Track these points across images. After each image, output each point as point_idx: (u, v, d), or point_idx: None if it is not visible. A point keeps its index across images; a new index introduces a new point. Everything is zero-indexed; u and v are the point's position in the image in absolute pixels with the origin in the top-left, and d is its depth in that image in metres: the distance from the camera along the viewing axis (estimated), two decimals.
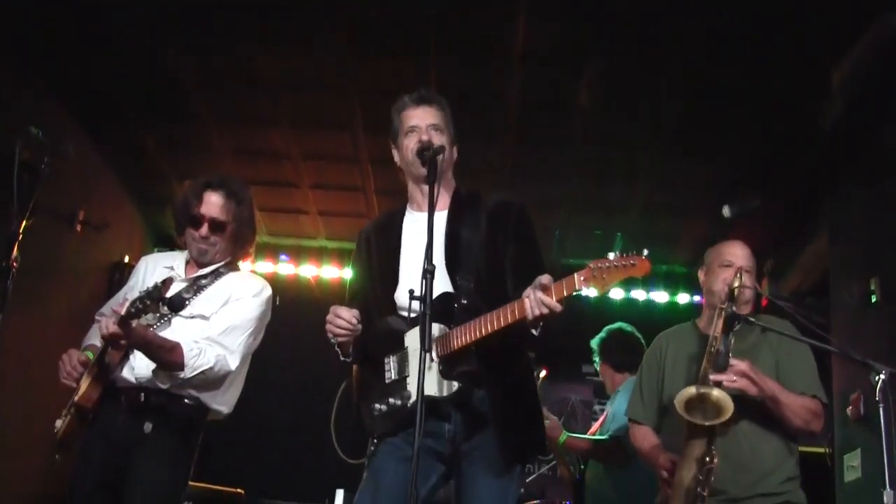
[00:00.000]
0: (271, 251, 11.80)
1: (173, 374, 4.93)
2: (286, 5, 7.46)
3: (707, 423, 4.52)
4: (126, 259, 10.62)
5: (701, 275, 5.52)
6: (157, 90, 8.71)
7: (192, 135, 9.50)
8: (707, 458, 4.52)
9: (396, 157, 4.70)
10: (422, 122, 4.53)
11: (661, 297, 11.62)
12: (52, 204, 6.21)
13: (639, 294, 11.60)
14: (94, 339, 5.24)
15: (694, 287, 11.08)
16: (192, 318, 5.15)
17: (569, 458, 7.27)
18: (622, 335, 7.33)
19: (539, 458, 9.70)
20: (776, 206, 9.13)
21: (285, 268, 11.87)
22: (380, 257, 4.68)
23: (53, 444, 5.08)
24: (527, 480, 9.33)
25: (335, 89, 8.54)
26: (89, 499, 4.95)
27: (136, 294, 4.74)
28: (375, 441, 4.49)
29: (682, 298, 11.57)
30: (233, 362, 5.10)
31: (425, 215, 4.14)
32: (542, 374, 7.24)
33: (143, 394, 5.00)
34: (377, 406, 4.45)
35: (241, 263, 5.62)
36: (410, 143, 4.50)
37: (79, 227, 9.22)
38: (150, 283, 4.71)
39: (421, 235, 4.14)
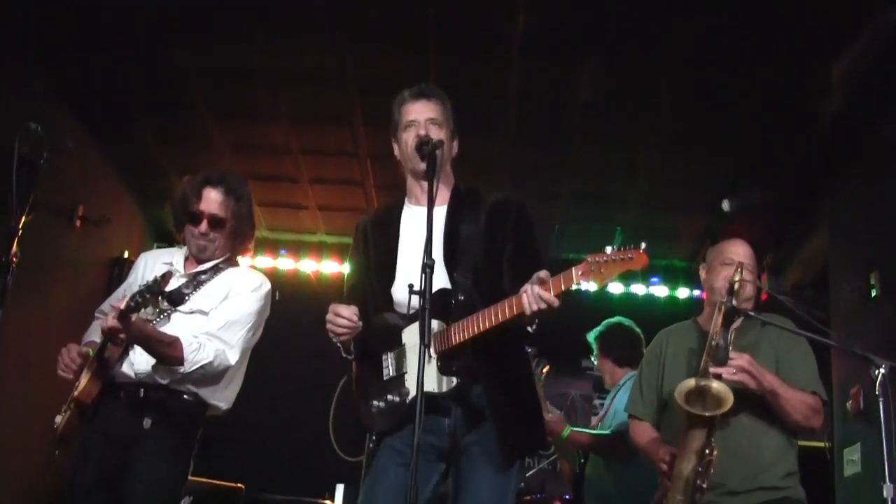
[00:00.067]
0: (271, 246, 11.80)
1: (172, 368, 4.93)
2: (286, 0, 7.46)
3: (707, 414, 4.52)
4: (126, 254, 10.61)
5: (702, 273, 5.51)
6: (156, 85, 8.71)
7: (191, 130, 9.49)
8: (707, 451, 4.52)
9: (396, 151, 4.70)
10: (421, 116, 4.53)
11: (660, 291, 11.61)
12: (52, 199, 6.22)
13: (638, 289, 11.60)
14: (94, 335, 5.25)
15: (693, 281, 11.12)
16: (192, 313, 5.14)
17: (568, 452, 7.27)
18: (622, 329, 7.32)
19: (539, 453, 9.71)
20: (776, 200, 9.13)
21: (285, 263, 11.87)
22: (377, 251, 4.68)
23: (53, 440, 5.08)
24: (526, 475, 9.34)
25: (335, 84, 8.54)
26: (89, 494, 4.94)
27: (135, 289, 4.73)
28: (374, 439, 4.49)
29: (682, 293, 11.57)
30: (232, 357, 5.09)
31: (424, 209, 4.14)
32: (545, 369, 7.24)
33: (142, 390, 4.99)
34: (375, 403, 4.46)
35: (240, 259, 5.62)
36: (409, 138, 4.49)
37: (78, 223, 9.22)
38: (149, 279, 4.70)
39: (420, 230, 4.14)
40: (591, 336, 7.40)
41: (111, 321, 4.65)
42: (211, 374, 5.06)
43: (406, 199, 4.73)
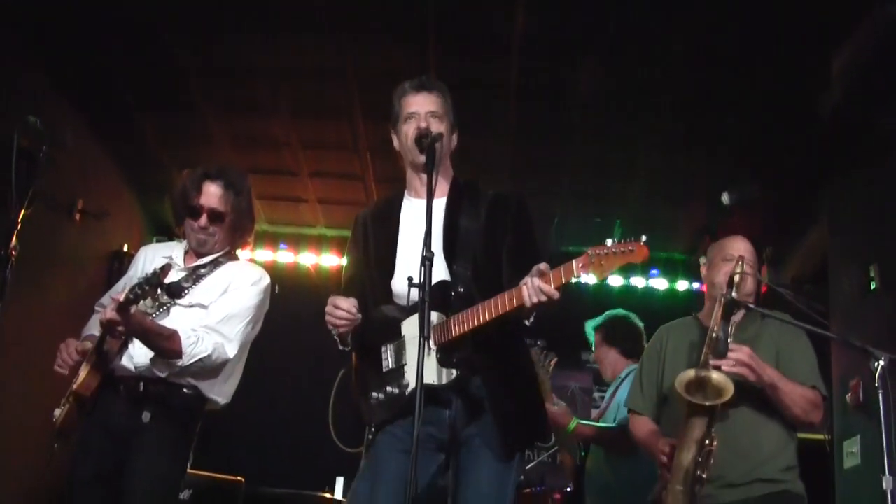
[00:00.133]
0: (270, 239, 11.81)
1: (171, 361, 4.93)
2: None
3: (708, 403, 4.52)
4: (125, 248, 10.62)
5: (703, 269, 5.52)
6: (156, 80, 8.71)
7: (190, 123, 9.49)
8: (707, 441, 4.52)
9: (396, 143, 4.70)
10: (421, 108, 4.53)
11: (659, 284, 11.62)
12: (51, 193, 6.23)
13: (638, 281, 11.61)
14: (94, 329, 5.25)
15: (693, 274, 11.12)
16: (191, 306, 5.15)
17: (569, 445, 7.27)
18: (627, 321, 7.30)
19: (538, 446, 9.71)
20: (775, 193, 9.13)
21: (284, 256, 11.87)
22: (377, 244, 4.68)
23: (52, 433, 5.08)
24: (526, 468, 9.34)
25: (334, 78, 8.54)
26: (88, 488, 4.95)
27: (135, 282, 4.73)
28: (373, 430, 4.49)
29: (682, 286, 11.58)
30: (231, 350, 5.10)
31: (424, 202, 4.14)
32: (552, 361, 7.23)
33: (141, 383, 4.99)
34: (374, 395, 4.46)
35: (239, 252, 5.62)
36: (409, 130, 4.49)
37: (78, 216, 9.22)
38: (148, 272, 4.70)
39: (419, 222, 4.14)
40: (591, 326, 7.38)
41: (110, 313, 4.65)
42: (209, 368, 5.06)
43: (406, 192, 4.73)
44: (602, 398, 7.58)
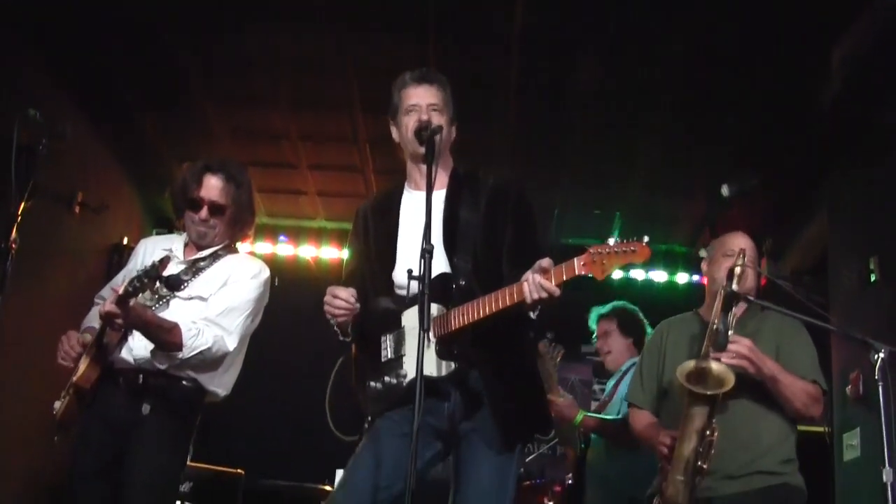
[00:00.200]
0: (270, 232, 11.81)
1: (171, 354, 4.93)
2: None
3: (709, 392, 4.52)
4: (125, 241, 10.61)
5: (704, 266, 5.53)
6: (155, 72, 8.71)
7: (190, 116, 9.49)
8: (707, 432, 4.52)
9: (395, 135, 4.70)
10: (422, 101, 4.52)
11: (659, 276, 11.61)
12: (51, 186, 6.21)
13: (638, 274, 11.60)
14: (93, 321, 5.25)
15: (693, 267, 11.11)
16: (191, 299, 5.15)
17: (570, 438, 7.26)
18: (639, 316, 7.30)
19: (538, 438, 9.71)
20: (775, 185, 9.13)
21: (284, 248, 11.88)
22: (377, 236, 4.69)
23: (52, 426, 5.09)
24: (526, 460, 9.34)
25: (334, 70, 8.54)
26: (88, 480, 4.95)
27: (134, 275, 4.73)
28: (370, 419, 4.50)
29: (682, 278, 11.57)
30: (230, 343, 5.10)
31: (424, 194, 4.14)
32: (560, 354, 7.22)
33: (141, 375, 4.99)
34: (373, 384, 4.46)
35: (239, 245, 5.62)
36: (410, 122, 4.49)
37: (77, 209, 9.22)
38: (147, 264, 4.70)
39: (419, 214, 4.14)
40: (599, 312, 7.35)
41: (109, 306, 4.65)
42: (209, 360, 5.06)
43: (406, 184, 4.73)
44: (602, 391, 7.56)
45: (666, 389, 5.23)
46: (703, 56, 7.80)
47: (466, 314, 4.15)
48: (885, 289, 7.06)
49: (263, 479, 8.95)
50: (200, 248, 5.37)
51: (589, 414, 6.84)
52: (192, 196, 5.28)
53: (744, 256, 4.91)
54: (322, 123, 9.56)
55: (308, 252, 11.87)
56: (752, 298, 5.10)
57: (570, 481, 7.41)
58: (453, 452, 4.38)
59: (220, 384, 5.24)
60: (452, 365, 4.21)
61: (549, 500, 8.22)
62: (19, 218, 4.70)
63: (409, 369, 4.30)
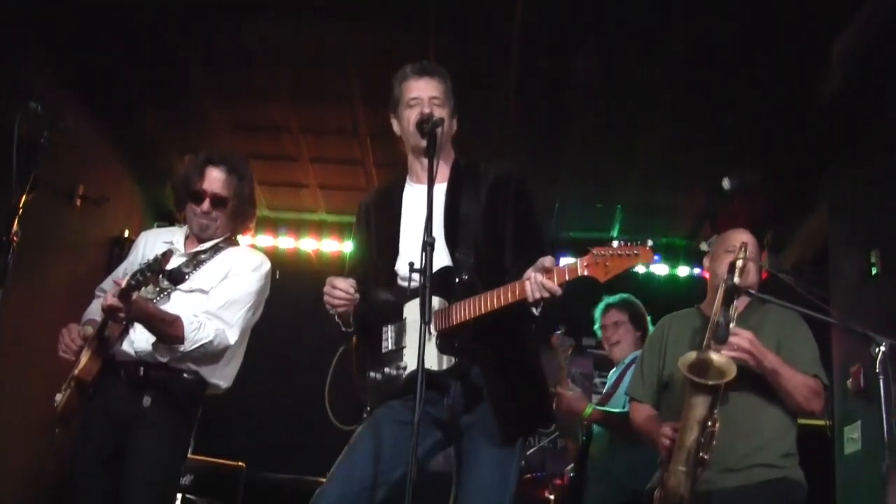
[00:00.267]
0: (271, 225, 11.79)
1: (173, 347, 4.94)
2: None
3: (710, 382, 4.52)
4: (126, 233, 10.61)
5: (706, 261, 5.54)
6: (156, 65, 8.70)
7: (190, 109, 9.48)
8: (709, 423, 4.52)
9: (396, 128, 4.69)
10: (423, 94, 4.52)
11: (660, 269, 11.60)
12: (52, 178, 6.18)
13: (638, 267, 11.56)
14: (94, 314, 5.26)
15: (693, 260, 11.10)
16: (192, 292, 5.16)
17: (572, 430, 7.26)
18: (644, 309, 7.30)
19: (540, 431, 9.71)
20: (776, 178, 9.13)
21: (285, 241, 11.85)
22: (379, 228, 4.69)
23: (53, 418, 5.09)
24: (527, 453, 9.35)
25: (334, 63, 8.53)
26: (90, 473, 4.96)
27: (136, 268, 4.73)
28: (368, 409, 4.51)
29: (682, 271, 11.56)
30: (232, 336, 5.11)
31: (425, 187, 4.13)
32: (571, 346, 7.22)
33: (142, 368, 5.01)
34: (372, 375, 4.47)
35: (240, 237, 5.63)
36: (412, 116, 4.48)
37: (78, 202, 9.23)
38: (149, 258, 4.71)
39: (421, 207, 4.14)
40: (610, 301, 7.33)
41: (111, 300, 4.66)
42: (211, 354, 5.07)
43: (407, 177, 4.74)
44: (603, 383, 7.55)
45: (667, 383, 5.23)
46: (703, 51, 7.79)
47: (468, 309, 4.15)
48: (886, 282, 7.06)
49: (264, 472, 8.96)
50: (202, 241, 5.37)
51: (598, 407, 6.83)
52: (195, 188, 5.29)
53: (745, 250, 4.91)
54: (323, 116, 9.56)
55: (309, 245, 11.85)
56: (753, 292, 5.10)
57: (571, 474, 7.40)
58: (455, 445, 4.39)
59: (222, 377, 5.25)
60: (453, 359, 4.22)
61: (550, 494, 8.22)
62: (20, 210, 4.71)
63: (409, 361, 4.31)
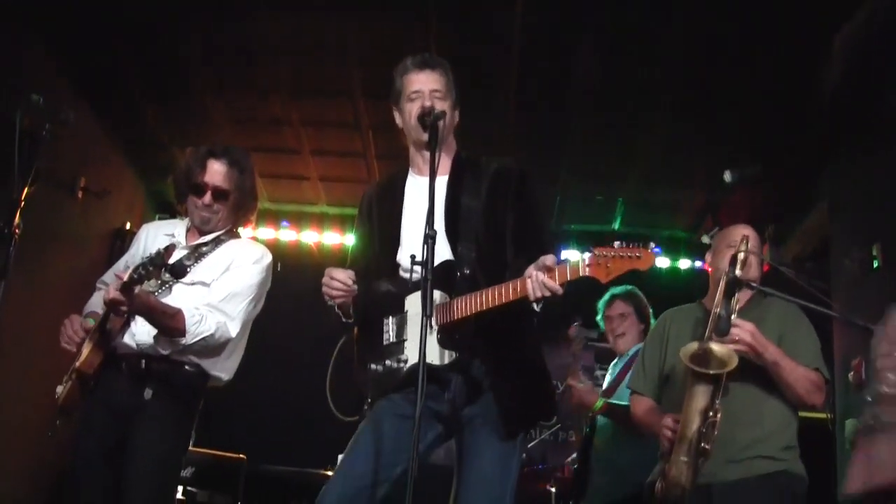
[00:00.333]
0: (273, 217, 11.81)
1: (174, 340, 4.95)
2: None
3: (712, 372, 4.52)
4: (127, 226, 10.63)
5: (708, 257, 5.54)
6: (156, 58, 8.70)
7: (192, 102, 9.48)
8: (710, 413, 4.52)
9: (398, 120, 4.69)
10: (425, 87, 4.51)
11: (662, 262, 11.60)
12: (53, 171, 6.21)
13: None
14: (96, 306, 5.27)
15: (695, 253, 11.11)
16: (193, 284, 5.16)
17: (577, 423, 7.27)
18: (647, 303, 7.31)
19: (541, 424, 9.73)
20: (777, 171, 9.13)
21: (287, 234, 11.88)
22: (381, 220, 4.70)
23: (54, 410, 5.10)
24: (528, 446, 9.36)
25: (335, 56, 8.54)
26: (91, 465, 4.96)
27: (138, 261, 4.74)
28: (369, 401, 4.51)
29: (684, 264, 11.57)
30: (233, 329, 5.12)
31: (427, 179, 4.14)
32: (584, 339, 7.23)
33: (143, 360, 5.01)
34: (374, 367, 4.48)
35: (242, 230, 5.63)
36: (413, 109, 4.48)
37: (80, 194, 9.24)
38: (151, 251, 4.71)
39: (423, 199, 4.16)
40: (616, 291, 7.33)
41: (114, 293, 4.67)
42: (212, 346, 5.08)
43: (410, 169, 4.74)
44: (603, 376, 7.54)
45: (668, 376, 5.25)
46: (703, 51, 7.79)
47: (469, 305, 4.15)
48: (887, 275, 7.05)
49: (265, 465, 8.96)
50: (203, 234, 5.38)
51: (609, 401, 6.82)
52: (196, 181, 5.29)
53: (747, 243, 4.91)
54: (324, 109, 9.56)
55: (310, 237, 11.88)
56: (755, 285, 5.09)
57: (574, 466, 7.39)
58: (456, 438, 4.39)
59: (223, 369, 5.26)
60: (454, 354, 4.22)
61: (552, 486, 8.24)
62: (22, 203, 4.70)
63: (410, 354, 4.32)
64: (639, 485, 5.27)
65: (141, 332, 5.00)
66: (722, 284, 4.80)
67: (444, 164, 4.53)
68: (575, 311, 7.43)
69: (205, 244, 5.34)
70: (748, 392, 4.86)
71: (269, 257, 5.43)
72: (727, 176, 8.70)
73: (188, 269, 5.11)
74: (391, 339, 4.45)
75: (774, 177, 9.18)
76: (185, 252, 5.25)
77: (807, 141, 8.63)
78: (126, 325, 5.03)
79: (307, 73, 8.89)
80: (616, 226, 11.08)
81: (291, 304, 8.08)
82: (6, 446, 8.25)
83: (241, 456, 8.55)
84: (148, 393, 4.98)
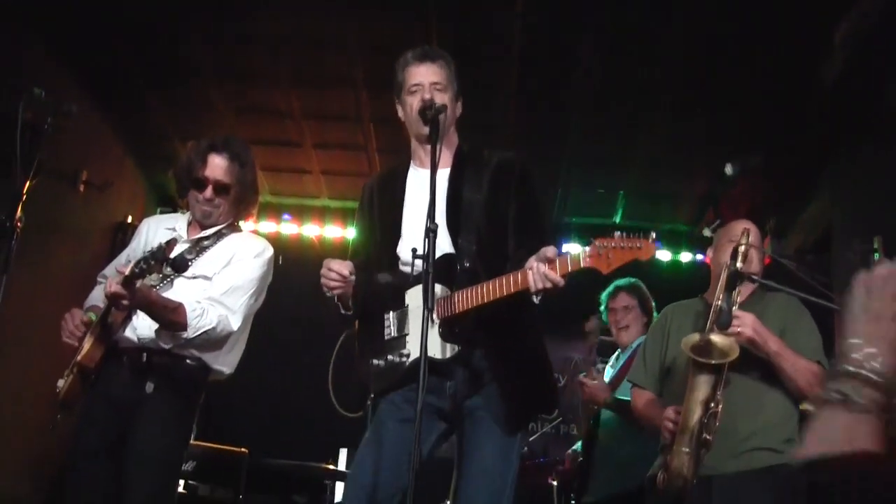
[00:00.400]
0: (274, 211, 11.81)
1: (176, 334, 4.95)
2: None
3: (714, 362, 4.52)
4: (129, 219, 10.64)
5: (710, 252, 5.54)
6: (158, 50, 8.71)
7: (193, 95, 9.49)
8: (712, 404, 4.53)
9: (400, 113, 4.69)
10: (425, 80, 4.51)
11: (663, 255, 11.59)
12: (55, 164, 6.20)
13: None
14: (97, 300, 5.28)
15: (696, 246, 11.10)
16: (195, 278, 5.16)
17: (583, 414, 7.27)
18: (649, 294, 7.31)
19: (542, 417, 9.73)
20: (779, 163, 9.13)
21: (288, 227, 11.88)
22: (383, 212, 4.70)
23: (55, 404, 5.10)
24: (530, 439, 9.37)
25: (337, 49, 8.53)
26: (91, 459, 4.96)
27: (139, 255, 4.74)
28: (373, 396, 4.51)
29: (685, 257, 11.56)
30: (234, 323, 5.11)
31: (428, 171, 4.14)
32: (598, 333, 7.24)
33: (145, 354, 5.01)
34: (375, 362, 4.47)
35: (243, 223, 5.62)
36: (414, 102, 4.48)
37: (82, 187, 9.25)
38: (153, 245, 4.71)
39: (424, 192, 4.15)
40: (620, 285, 7.31)
41: (115, 287, 4.66)
42: (214, 340, 5.08)
43: (411, 161, 4.74)
44: (604, 369, 7.54)
45: (669, 369, 5.26)
46: (705, 35, 7.78)
47: (470, 297, 4.16)
48: None
49: (267, 458, 8.96)
50: (204, 227, 5.37)
51: (620, 397, 6.81)
52: (197, 175, 5.28)
53: (748, 236, 4.91)
54: (326, 102, 9.57)
55: (312, 231, 11.88)
56: (756, 278, 5.10)
57: (580, 459, 7.38)
58: (457, 430, 4.40)
59: (225, 363, 5.26)
60: (456, 348, 4.23)
61: (553, 480, 8.24)
62: (24, 196, 4.71)
63: (412, 349, 4.32)
64: (640, 478, 5.28)
65: (142, 325, 4.99)
66: (723, 277, 4.81)
67: (446, 156, 4.53)
68: (577, 305, 7.43)
69: (206, 238, 5.33)
70: (749, 383, 4.87)
71: (270, 251, 5.43)
72: (728, 169, 8.70)
73: (190, 263, 5.10)
74: (392, 334, 4.45)
75: (776, 170, 9.19)
76: (186, 246, 5.24)
77: (808, 133, 8.62)
78: (127, 318, 5.02)
79: (309, 66, 8.90)
80: (617, 219, 11.09)
81: (293, 298, 8.07)
82: (7, 440, 8.26)
83: (243, 450, 8.54)
84: (149, 387, 4.97)
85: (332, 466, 9.15)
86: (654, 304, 7.20)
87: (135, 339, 5.00)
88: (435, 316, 4.13)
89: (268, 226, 11.66)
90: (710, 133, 9.21)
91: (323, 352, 4.94)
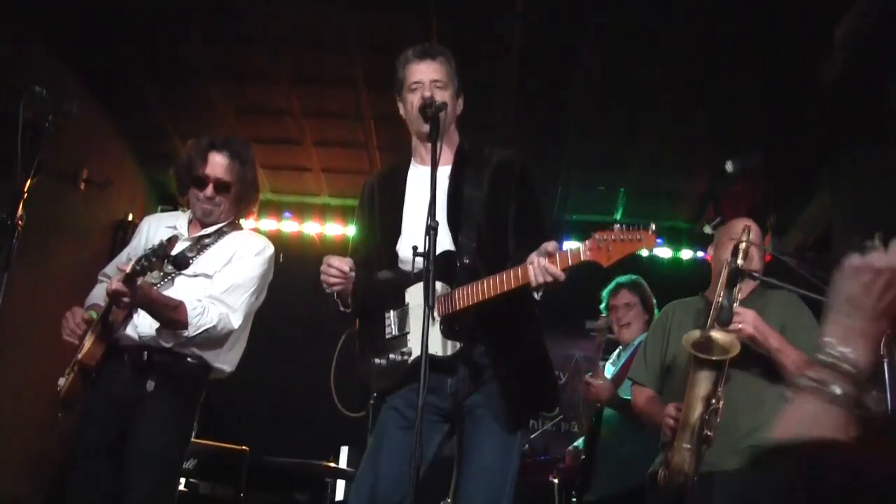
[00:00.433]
0: (275, 209, 11.82)
1: (177, 332, 4.95)
2: None
3: (715, 358, 4.53)
4: (129, 217, 10.64)
5: (711, 250, 5.55)
6: (158, 49, 8.71)
7: (194, 93, 9.50)
8: (713, 400, 4.53)
9: (401, 110, 4.69)
10: (425, 77, 4.51)
11: (663, 252, 11.60)
12: (56, 162, 6.21)
13: (641, 251, 11.54)
14: (98, 298, 5.28)
15: (697, 243, 11.11)
16: (196, 276, 5.16)
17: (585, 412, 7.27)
18: (650, 292, 7.31)
19: (543, 415, 9.73)
20: (779, 161, 9.13)
21: (289, 225, 11.90)
22: (383, 209, 4.70)
23: (56, 402, 5.10)
24: (531, 437, 9.37)
25: (337, 46, 8.53)
26: (92, 457, 4.96)
27: (140, 253, 4.74)
28: (375, 395, 4.52)
29: (686, 254, 11.57)
30: (235, 321, 5.12)
31: (429, 169, 4.14)
32: (606, 332, 7.24)
33: (146, 352, 5.01)
34: (377, 361, 4.48)
35: (244, 221, 5.63)
36: (414, 100, 4.48)
37: (82, 186, 9.25)
38: (153, 243, 4.71)
39: (424, 189, 4.16)
40: (621, 282, 7.32)
41: (116, 285, 4.66)
42: (214, 338, 5.08)
43: (412, 159, 4.75)
44: (604, 366, 7.53)
45: (669, 366, 5.26)
46: (706, 31, 7.78)
47: (471, 295, 4.16)
48: None
49: (268, 456, 8.96)
50: (205, 226, 5.37)
51: (625, 397, 6.82)
52: (198, 174, 5.28)
53: (748, 233, 4.92)
54: (326, 100, 9.57)
55: (312, 228, 11.90)
56: (756, 275, 5.10)
57: (583, 456, 7.38)
58: (457, 427, 4.39)
59: (226, 361, 5.26)
60: (457, 345, 4.23)
61: (554, 477, 8.24)
62: (25, 194, 4.71)
63: (413, 347, 4.32)
64: (642, 476, 5.28)
65: (143, 324, 5.00)
66: (724, 275, 4.81)
67: (447, 154, 4.53)
68: (578, 302, 7.42)
69: (207, 236, 5.33)
70: (750, 380, 4.87)
71: (271, 249, 5.43)
72: (729, 166, 8.69)
73: (190, 261, 5.10)
74: (393, 333, 4.46)
75: (777, 166, 9.19)
76: (187, 244, 5.24)
77: (809, 130, 8.62)
78: (128, 316, 5.02)
79: (309, 64, 8.90)
80: (618, 216, 11.09)
81: (294, 296, 8.08)
82: (7, 440, 8.26)
83: (244, 448, 8.54)
84: (150, 385, 4.97)
85: (332, 464, 9.15)
86: (655, 301, 7.20)
87: (136, 337, 5.00)
88: (436, 313, 4.13)
89: (268, 224, 11.68)
90: (710, 132, 9.21)
91: (324, 350, 4.95)
